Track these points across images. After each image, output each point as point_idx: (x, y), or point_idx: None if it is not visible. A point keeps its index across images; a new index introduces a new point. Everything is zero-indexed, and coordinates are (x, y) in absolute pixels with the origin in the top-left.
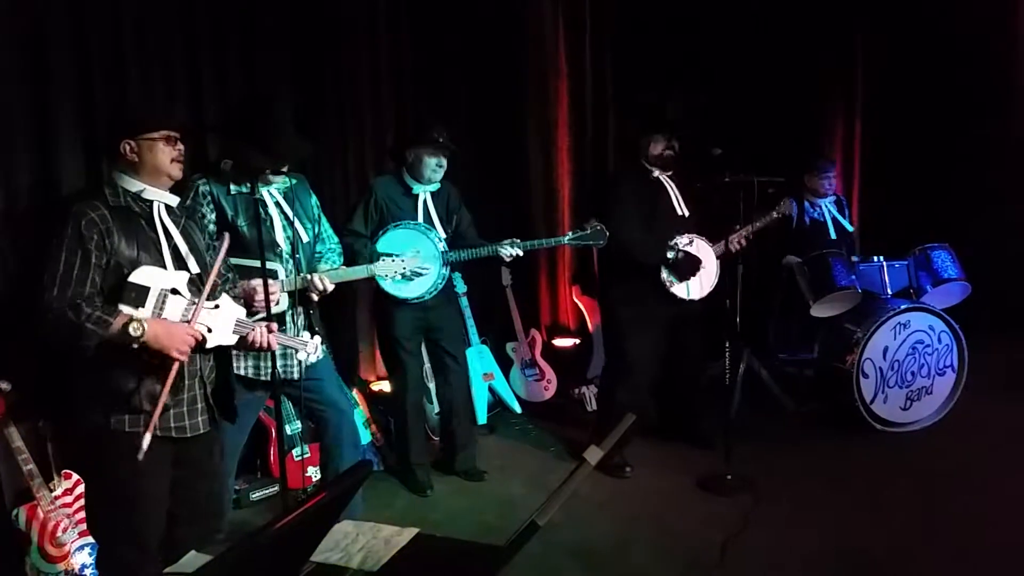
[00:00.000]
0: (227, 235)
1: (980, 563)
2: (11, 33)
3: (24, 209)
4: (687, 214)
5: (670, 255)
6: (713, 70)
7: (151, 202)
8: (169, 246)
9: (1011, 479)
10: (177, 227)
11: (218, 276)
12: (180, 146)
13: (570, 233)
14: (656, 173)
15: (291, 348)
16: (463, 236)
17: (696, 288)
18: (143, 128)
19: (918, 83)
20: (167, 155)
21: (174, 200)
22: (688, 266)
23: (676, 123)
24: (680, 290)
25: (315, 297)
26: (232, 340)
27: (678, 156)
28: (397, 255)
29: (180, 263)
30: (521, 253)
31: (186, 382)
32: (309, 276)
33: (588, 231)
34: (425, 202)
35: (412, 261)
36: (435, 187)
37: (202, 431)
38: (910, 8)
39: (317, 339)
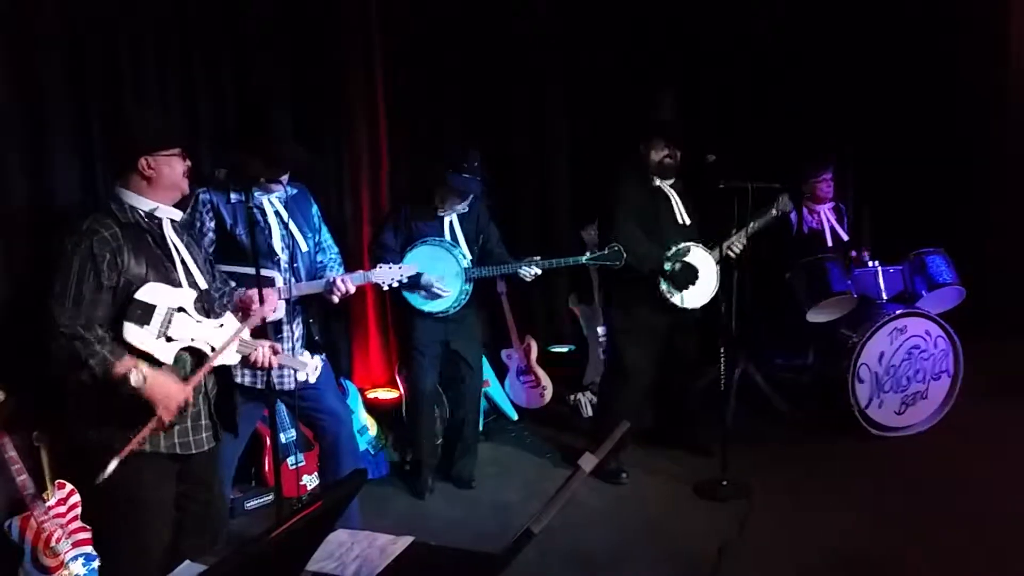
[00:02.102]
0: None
1: (976, 567)
2: (5, 45)
3: (19, 222)
4: (688, 223)
5: (667, 267)
6: (707, 76)
7: (161, 220)
8: (180, 262)
9: (1007, 483)
10: (181, 242)
11: (215, 292)
12: (188, 161)
13: (588, 253)
14: (657, 181)
15: (292, 368)
16: (491, 253)
17: (694, 297)
18: (163, 145)
19: (914, 87)
20: (181, 169)
21: (178, 214)
22: (685, 277)
23: (676, 128)
24: (679, 300)
25: (336, 299)
26: (235, 359)
27: (678, 163)
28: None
29: (190, 279)
30: (540, 272)
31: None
32: (332, 278)
33: (607, 251)
34: (451, 223)
35: (409, 268)
36: (463, 209)
37: (206, 447)
38: (904, 13)
39: (318, 359)
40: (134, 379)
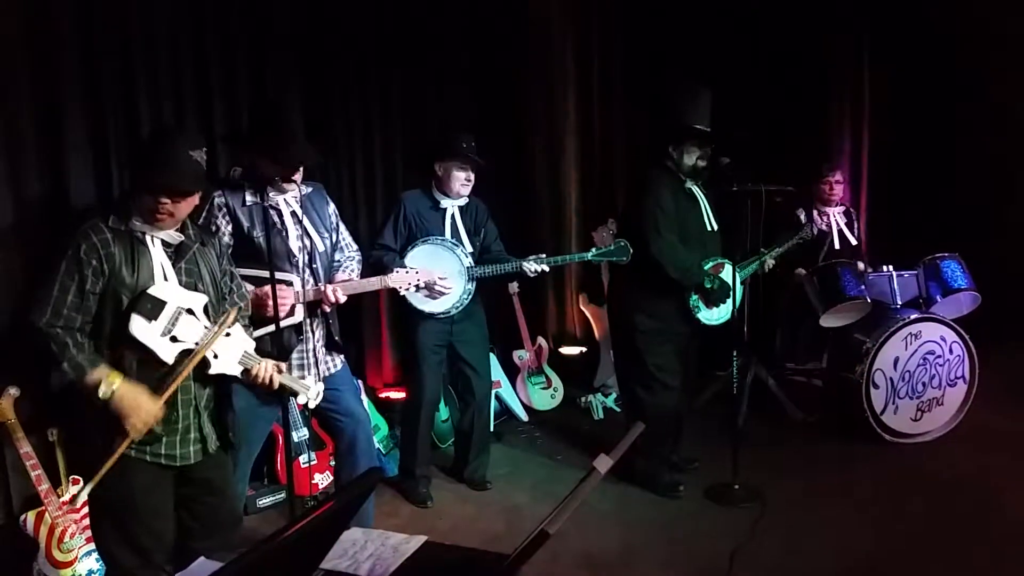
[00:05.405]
0: (234, 310)
1: (992, 575)
2: (22, 45)
3: (33, 221)
4: (715, 228)
5: (708, 284)
6: (718, 76)
7: (146, 234)
8: (162, 278)
9: (1022, 490)
10: (179, 260)
11: (231, 304)
12: (181, 202)
13: (594, 249)
14: (689, 184)
15: (292, 390)
16: (489, 250)
17: (718, 315)
18: (140, 185)
19: (926, 91)
20: (152, 206)
21: (173, 239)
22: (722, 295)
23: (713, 134)
24: (704, 316)
25: (327, 308)
26: (236, 371)
27: (709, 166)
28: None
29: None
30: (547, 269)
31: (180, 411)
32: (322, 287)
33: (612, 247)
34: (453, 216)
35: (427, 273)
36: (463, 201)
37: (192, 461)
38: (917, 13)
39: (320, 386)
40: (102, 391)
